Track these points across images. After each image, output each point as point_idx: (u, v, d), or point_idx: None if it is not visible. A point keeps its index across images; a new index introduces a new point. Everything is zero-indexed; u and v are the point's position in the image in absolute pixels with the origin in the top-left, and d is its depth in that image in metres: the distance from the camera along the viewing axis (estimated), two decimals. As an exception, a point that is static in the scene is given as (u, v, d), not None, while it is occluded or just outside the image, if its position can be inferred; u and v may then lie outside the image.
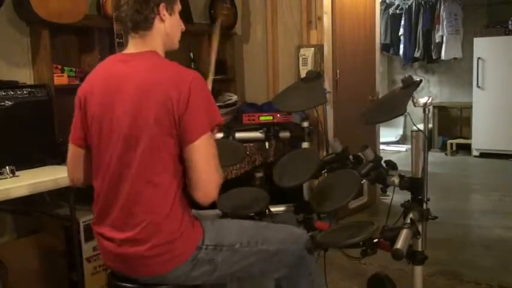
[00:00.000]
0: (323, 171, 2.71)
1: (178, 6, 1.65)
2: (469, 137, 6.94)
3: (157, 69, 1.54)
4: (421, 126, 2.28)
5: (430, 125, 7.22)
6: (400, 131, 7.82)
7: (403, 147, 7.45)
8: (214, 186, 1.52)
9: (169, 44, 1.65)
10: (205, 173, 1.50)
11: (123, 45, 2.88)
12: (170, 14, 1.61)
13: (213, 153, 1.52)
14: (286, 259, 1.76)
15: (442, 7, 6.96)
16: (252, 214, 2.55)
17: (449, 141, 7.13)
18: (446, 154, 7.08)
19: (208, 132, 1.50)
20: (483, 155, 6.72)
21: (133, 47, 1.60)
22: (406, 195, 2.30)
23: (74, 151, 1.70)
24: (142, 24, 1.56)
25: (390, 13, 7.39)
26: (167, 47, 1.65)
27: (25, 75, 2.93)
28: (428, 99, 2.24)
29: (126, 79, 1.53)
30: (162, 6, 1.57)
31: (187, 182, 1.54)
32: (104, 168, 1.57)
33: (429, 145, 7.01)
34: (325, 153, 3.54)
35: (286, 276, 1.80)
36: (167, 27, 1.61)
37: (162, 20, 1.59)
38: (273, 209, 2.68)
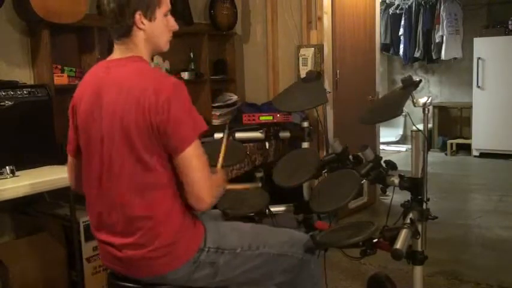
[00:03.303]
0: (323, 171, 2.71)
1: (163, 9, 1.58)
2: (469, 137, 6.94)
3: (137, 75, 1.52)
4: (421, 126, 2.28)
5: (430, 125, 7.22)
6: (400, 131, 7.82)
7: (403, 147, 7.45)
8: (207, 194, 1.52)
9: (155, 48, 1.62)
10: (196, 182, 1.49)
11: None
12: (150, 20, 1.55)
13: (202, 160, 1.51)
14: (288, 263, 1.76)
15: (442, 7, 6.96)
16: (252, 214, 2.55)
17: (449, 141, 7.13)
18: (446, 154, 7.08)
19: (196, 141, 1.49)
20: (483, 155, 6.72)
21: (118, 53, 1.58)
22: (406, 195, 2.31)
23: (69, 160, 1.73)
24: (121, 32, 1.54)
25: (390, 13, 7.39)
26: (153, 50, 1.62)
27: (25, 75, 2.93)
28: (428, 99, 2.25)
29: (109, 86, 1.52)
30: (138, 15, 1.52)
31: (182, 189, 1.54)
32: (95, 176, 1.56)
33: (429, 145, 7.01)
34: (325, 153, 3.54)
35: (287, 280, 1.80)
36: (148, 33, 1.56)
37: (139, 28, 1.54)
38: (273, 209, 2.68)
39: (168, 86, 1.47)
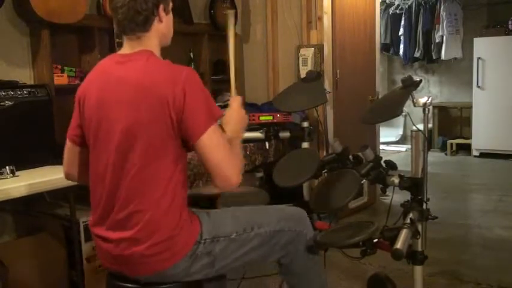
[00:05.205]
0: (323, 171, 2.71)
1: (171, 5, 1.66)
2: (469, 137, 6.94)
3: (152, 70, 1.54)
4: (421, 126, 2.28)
5: (430, 125, 7.22)
6: (400, 131, 7.82)
7: (403, 147, 7.45)
8: (232, 174, 1.53)
9: (164, 42, 1.67)
10: (219, 165, 1.51)
11: (122, 45, 2.88)
12: (167, 14, 1.62)
13: (222, 142, 1.53)
14: (284, 239, 1.78)
15: (442, 7, 6.96)
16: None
17: (449, 141, 7.13)
18: (446, 154, 7.09)
19: (212, 126, 1.51)
20: (483, 155, 6.72)
21: (129, 47, 1.60)
22: (406, 195, 2.30)
23: (69, 147, 1.72)
24: (141, 25, 1.56)
25: (390, 13, 7.39)
26: (162, 45, 1.66)
27: (25, 75, 2.93)
28: (428, 99, 2.25)
29: (122, 81, 1.54)
30: (161, 7, 1.58)
31: (207, 173, 1.56)
32: (101, 170, 1.57)
33: (429, 145, 7.01)
34: (325, 153, 3.54)
35: (285, 254, 1.82)
36: (164, 27, 1.62)
37: (160, 21, 1.60)
38: (273, 209, 2.67)
39: (182, 76, 1.50)
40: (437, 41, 7.07)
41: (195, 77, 1.53)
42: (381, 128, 4.86)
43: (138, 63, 1.55)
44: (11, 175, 2.37)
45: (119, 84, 1.54)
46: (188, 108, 1.48)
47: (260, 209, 1.90)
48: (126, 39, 1.61)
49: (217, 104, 3.78)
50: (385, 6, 7.28)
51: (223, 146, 1.54)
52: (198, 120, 1.49)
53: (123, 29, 1.58)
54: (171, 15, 1.66)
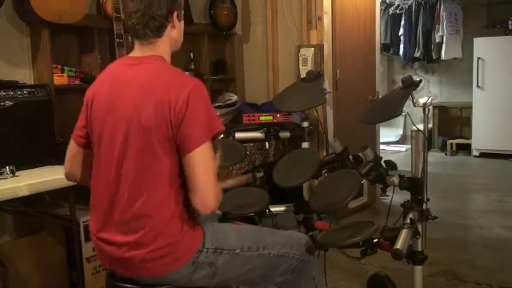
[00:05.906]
0: (323, 171, 2.71)
1: (183, 11, 1.68)
2: (469, 137, 6.94)
3: (160, 75, 1.55)
4: (421, 126, 2.28)
5: (430, 125, 7.21)
6: (400, 131, 7.82)
7: (403, 147, 7.45)
8: (212, 196, 1.51)
9: (175, 48, 1.68)
10: (203, 183, 1.49)
11: (123, 45, 2.89)
12: (179, 20, 1.63)
13: (211, 163, 1.51)
14: (288, 264, 1.76)
15: (442, 7, 6.96)
16: (252, 214, 2.55)
17: (449, 141, 7.13)
18: (446, 154, 7.09)
19: (207, 142, 1.49)
20: (483, 155, 6.72)
21: (140, 51, 1.61)
22: (406, 195, 2.31)
23: (73, 147, 1.71)
24: (155, 31, 1.57)
25: (390, 13, 7.40)
26: (173, 50, 1.67)
27: (25, 75, 2.93)
28: (428, 99, 2.25)
29: (129, 83, 1.54)
30: (175, 14, 1.59)
31: (188, 190, 1.54)
32: (105, 171, 1.57)
33: (429, 145, 7.01)
34: (325, 153, 3.54)
35: (288, 281, 1.80)
36: (176, 33, 1.63)
37: (173, 27, 1.61)
38: (273, 209, 2.68)
39: (189, 85, 1.50)
40: (437, 41, 7.06)
41: (201, 89, 1.53)
42: (381, 128, 4.86)
43: (148, 67, 1.56)
44: (11, 175, 2.37)
45: (127, 86, 1.54)
46: (188, 118, 1.46)
47: (267, 230, 1.88)
48: (138, 43, 1.61)
49: (217, 104, 3.75)
50: (385, 6, 7.28)
51: (213, 165, 1.52)
52: (196, 132, 1.47)
53: (135, 33, 1.59)
54: (182, 21, 1.66)
